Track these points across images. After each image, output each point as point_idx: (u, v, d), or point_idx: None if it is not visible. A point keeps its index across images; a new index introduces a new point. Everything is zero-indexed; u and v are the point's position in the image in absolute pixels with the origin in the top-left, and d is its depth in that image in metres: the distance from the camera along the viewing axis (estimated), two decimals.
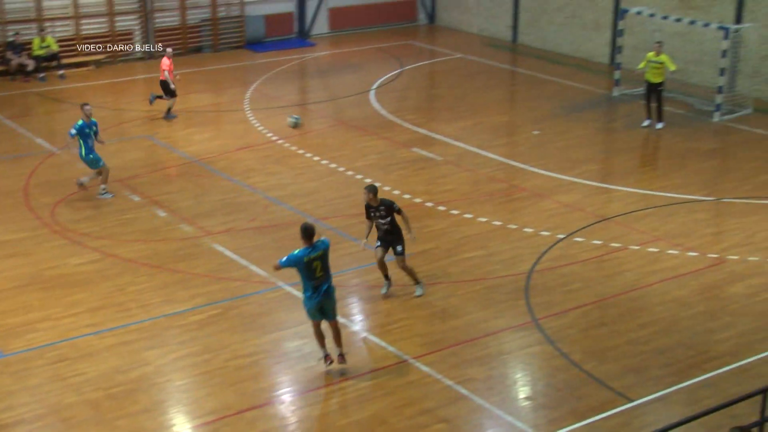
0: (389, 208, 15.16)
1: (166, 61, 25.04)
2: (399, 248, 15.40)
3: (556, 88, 28.10)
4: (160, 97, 25.15)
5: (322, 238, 13.37)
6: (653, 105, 24.34)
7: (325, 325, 13.52)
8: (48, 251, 17.31)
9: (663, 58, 24.02)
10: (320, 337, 13.53)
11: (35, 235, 18.01)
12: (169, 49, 25.78)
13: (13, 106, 26.54)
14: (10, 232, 18.14)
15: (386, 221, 15.24)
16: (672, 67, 24.06)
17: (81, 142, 19.43)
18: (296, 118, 24.29)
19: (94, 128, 19.66)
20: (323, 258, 13.17)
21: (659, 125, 24.34)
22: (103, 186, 19.76)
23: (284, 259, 13.14)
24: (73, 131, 19.36)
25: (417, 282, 15.76)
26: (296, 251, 13.09)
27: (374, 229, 15.52)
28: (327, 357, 13.51)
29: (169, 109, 25.16)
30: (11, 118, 25.37)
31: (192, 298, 15.63)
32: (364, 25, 36.13)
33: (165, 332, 14.59)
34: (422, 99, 28.28)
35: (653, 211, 19.10)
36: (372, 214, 15.28)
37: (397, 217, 15.37)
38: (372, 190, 15.13)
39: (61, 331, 14.54)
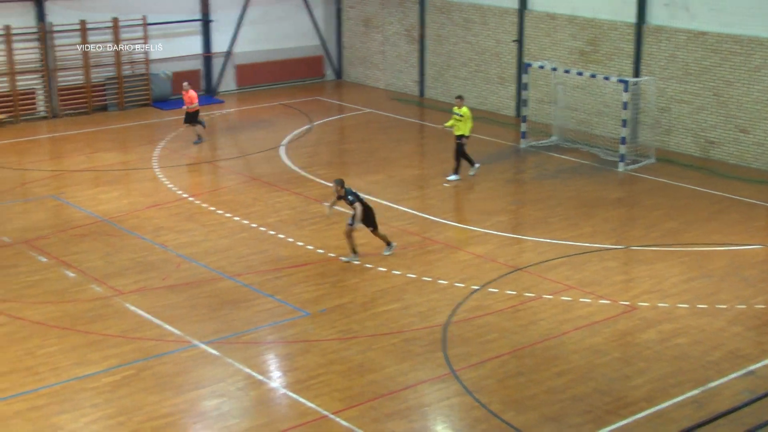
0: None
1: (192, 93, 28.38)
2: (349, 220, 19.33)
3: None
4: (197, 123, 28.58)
5: None
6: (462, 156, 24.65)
7: None
8: None
9: (463, 111, 24.54)
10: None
11: None
12: (185, 83, 28.78)
13: None
14: None
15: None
16: (470, 124, 24.36)
17: None
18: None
19: None
20: None
21: (453, 177, 24.52)
22: None
23: None
24: None
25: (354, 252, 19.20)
26: None
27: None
28: None
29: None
30: None
31: (105, 359, 15.26)
32: (271, 81, 36.21)
33: (77, 395, 14.19)
34: (333, 154, 28.37)
35: (565, 260, 19.39)
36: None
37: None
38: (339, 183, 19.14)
39: None
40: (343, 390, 14.38)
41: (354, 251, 19.28)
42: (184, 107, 28.22)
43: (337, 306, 17.26)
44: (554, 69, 28.14)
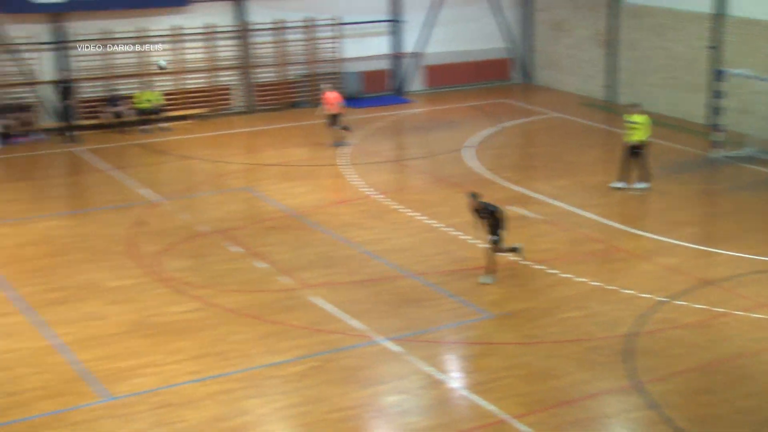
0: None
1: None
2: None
3: (653, 148, 27.73)
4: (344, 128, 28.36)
5: None
6: (632, 165, 24.04)
7: None
8: (152, 299, 17.68)
9: (636, 118, 23.74)
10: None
11: (140, 282, 18.43)
12: (324, 85, 29.15)
13: (117, 158, 27.35)
14: (117, 279, 18.59)
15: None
16: (647, 131, 23.95)
17: None
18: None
19: None
20: None
21: (642, 185, 23.97)
22: None
23: None
24: None
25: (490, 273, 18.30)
26: None
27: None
28: None
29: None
30: (116, 168, 26.12)
31: (291, 349, 15.74)
32: (459, 83, 36.41)
33: (265, 382, 14.70)
34: (519, 157, 28.28)
35: (759, 276, 18.68)
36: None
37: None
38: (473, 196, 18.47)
39: (164, 378, 14.77)
40: (525, 395, 14.33)
41: (508, 249, 18.67)
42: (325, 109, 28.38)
43: (520, 310, 17.22)
44: (753, 77, 27.11)
